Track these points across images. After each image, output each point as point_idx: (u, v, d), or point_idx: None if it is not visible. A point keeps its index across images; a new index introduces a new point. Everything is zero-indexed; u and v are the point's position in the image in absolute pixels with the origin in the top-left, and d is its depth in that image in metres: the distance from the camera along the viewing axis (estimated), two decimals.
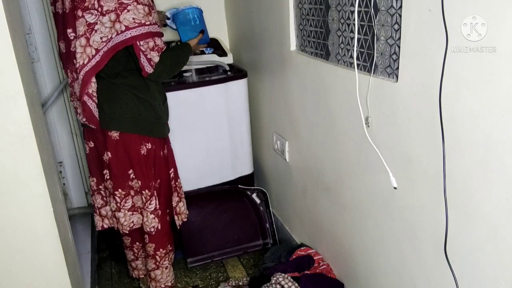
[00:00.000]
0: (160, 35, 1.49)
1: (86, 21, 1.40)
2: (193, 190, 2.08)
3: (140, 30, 1.42)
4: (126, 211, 1.65)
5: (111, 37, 1.41)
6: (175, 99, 1.92)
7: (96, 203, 1.73)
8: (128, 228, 1.67)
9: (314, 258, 1.71)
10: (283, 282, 1.52)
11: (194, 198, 2.04)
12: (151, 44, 1.45)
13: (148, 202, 1.65)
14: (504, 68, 0.78)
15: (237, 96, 2.08)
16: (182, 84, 1.97)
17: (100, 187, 1.71)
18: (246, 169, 2.24)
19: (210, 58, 2.11)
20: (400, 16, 1.02)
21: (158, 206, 1.67)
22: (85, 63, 1.44)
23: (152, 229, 1.68)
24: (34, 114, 1.25)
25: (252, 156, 2.25)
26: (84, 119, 1.57)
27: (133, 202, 1.65)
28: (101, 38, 1.42)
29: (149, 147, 1.60)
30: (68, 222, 1.56)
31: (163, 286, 1.79)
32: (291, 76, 1.70)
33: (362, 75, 1.19)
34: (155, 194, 1.66)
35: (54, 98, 2.13)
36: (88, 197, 2.39)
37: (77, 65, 1.45)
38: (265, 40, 1.92)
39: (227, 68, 2.09)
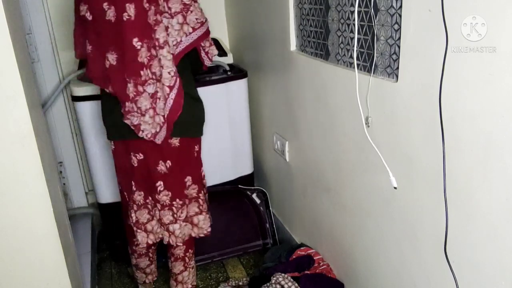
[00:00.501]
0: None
1: (165, 26, 1.38)
2: None
3: (202, 29, 1.45)
4: (182, 222, 1.62)
5: (181, 40, 1.41)
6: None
7: (142, 218, 1.63)
8: (181, 241, 1.65)
9: (314, 258, 1.71)
10: (283, 282, 1.52)
11: None
12: (210, 38, 1.50)
13: (202, 207, 1.66)
14: (504, 68, 0.78)
15: (237, 96, 2.08)
16: None
17: (147, 201, 1.62)
18: (246, 169, 2.24)
19: None
20: (400, 16, 1.02)
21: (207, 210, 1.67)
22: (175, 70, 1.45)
23: (209, 229, 1.69)
24: (34, 114, 1.25)
25: (252, 156, 2.25)
26: (149, 135, 1.46)
27: (187, 212, 1.63)
28: (172, 41, 1.41)
29: (197, 149, 1.62)
30: (68, 222, 1.56)
31: (190, 286, 1.79)
32: (291, 76, 1.70)
33: (362, 75, 1.19)
34: (187, 203, 1.64)
35: (54, 98, 2.13)
36: (88, 197, 2.39)
37: (171, 73, 1.42)
38: (265, 40, 1.92)
39: (227, 68, 2.09)
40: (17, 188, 1.28)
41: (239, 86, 2.07)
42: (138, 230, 1.63)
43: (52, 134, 2.18)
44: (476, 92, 0.85)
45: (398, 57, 1.06)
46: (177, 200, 1.59)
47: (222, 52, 2.17)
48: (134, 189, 1.59)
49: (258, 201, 2.10)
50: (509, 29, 0.75)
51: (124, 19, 1.34)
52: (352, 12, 1.23)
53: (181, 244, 1.68)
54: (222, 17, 2.42)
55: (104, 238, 2.22)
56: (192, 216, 1.66)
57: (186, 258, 1.74)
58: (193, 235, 1.69)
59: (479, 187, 0.89)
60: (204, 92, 1.98)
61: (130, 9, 1.33)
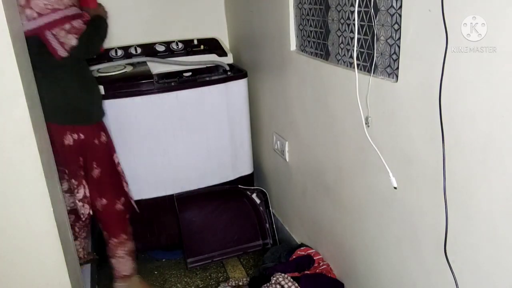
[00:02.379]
0: (78, 16, 1.46)
1: None
2: (193, 190, 2.08)
3: (53, 16, 1.38)
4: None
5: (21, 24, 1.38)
6: (175, 99, 1.93)
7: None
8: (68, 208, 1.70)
9: (314, 258, 1.71)
10: (283, 282, 1.52)
11: (194, 198, 2.04)
12: (67, 27, 1.42)
13: (76, 190, 1.69)
14: (504, 68, 0.78)
15: (237, 96, 2.08)
16: (182, 84, 1.97)
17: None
18: (246, 169, 2.24)
19: (210, 58, 2.11)
20: (400, 16, 1.02)
21: (87, 194, 1.70)
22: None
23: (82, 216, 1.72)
24: (34, 114, 1.25)
25: (252, 156, 2.25)
26: None
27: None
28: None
29: (76, 138, 1.61)
30: (68, 222, 1.56)
31: (121, 275, 1.82)
32: (291, 76, 1.70)
33: (362, 75, 1.19)
34: (84, 183, 1.68)
35: None
36: None
37: None
38: (265, 40, 1.92)
39: (227, 68, 2.10)
40: (17, 188, 1.28)
41: (239, 86, 2.08)
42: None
43: None
44: (476, 92, 0.85)
45: (398, 57, 1.06)
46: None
47: (222, 52, 2.17)
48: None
49: (258, 201, 2.10)
50: (509, 29, 0.75)
51: None
52: (352, 12, 1.23)
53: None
54: (222, 17, 2.42)
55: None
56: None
57: (111, 245, 1.79)
58: None
59: (479, 187, 0.89)
60: (204, 92, 1.99)
61: None
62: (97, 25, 1.62)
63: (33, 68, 1.43)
